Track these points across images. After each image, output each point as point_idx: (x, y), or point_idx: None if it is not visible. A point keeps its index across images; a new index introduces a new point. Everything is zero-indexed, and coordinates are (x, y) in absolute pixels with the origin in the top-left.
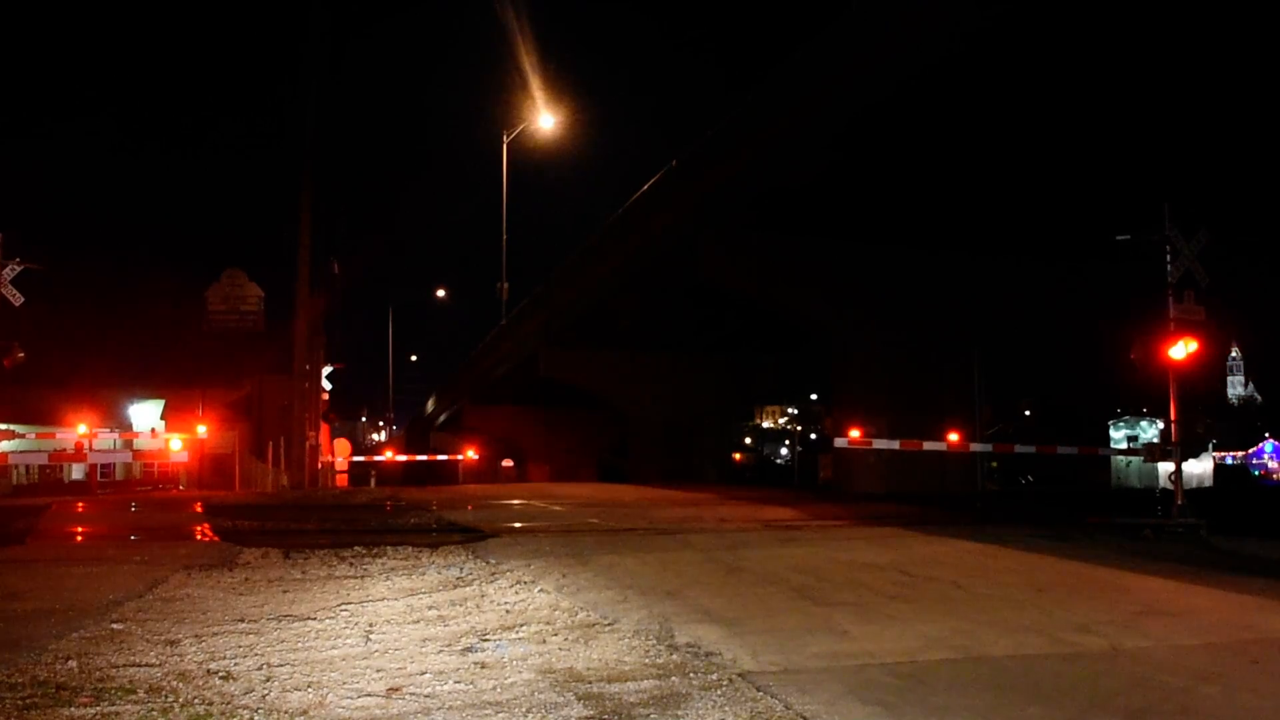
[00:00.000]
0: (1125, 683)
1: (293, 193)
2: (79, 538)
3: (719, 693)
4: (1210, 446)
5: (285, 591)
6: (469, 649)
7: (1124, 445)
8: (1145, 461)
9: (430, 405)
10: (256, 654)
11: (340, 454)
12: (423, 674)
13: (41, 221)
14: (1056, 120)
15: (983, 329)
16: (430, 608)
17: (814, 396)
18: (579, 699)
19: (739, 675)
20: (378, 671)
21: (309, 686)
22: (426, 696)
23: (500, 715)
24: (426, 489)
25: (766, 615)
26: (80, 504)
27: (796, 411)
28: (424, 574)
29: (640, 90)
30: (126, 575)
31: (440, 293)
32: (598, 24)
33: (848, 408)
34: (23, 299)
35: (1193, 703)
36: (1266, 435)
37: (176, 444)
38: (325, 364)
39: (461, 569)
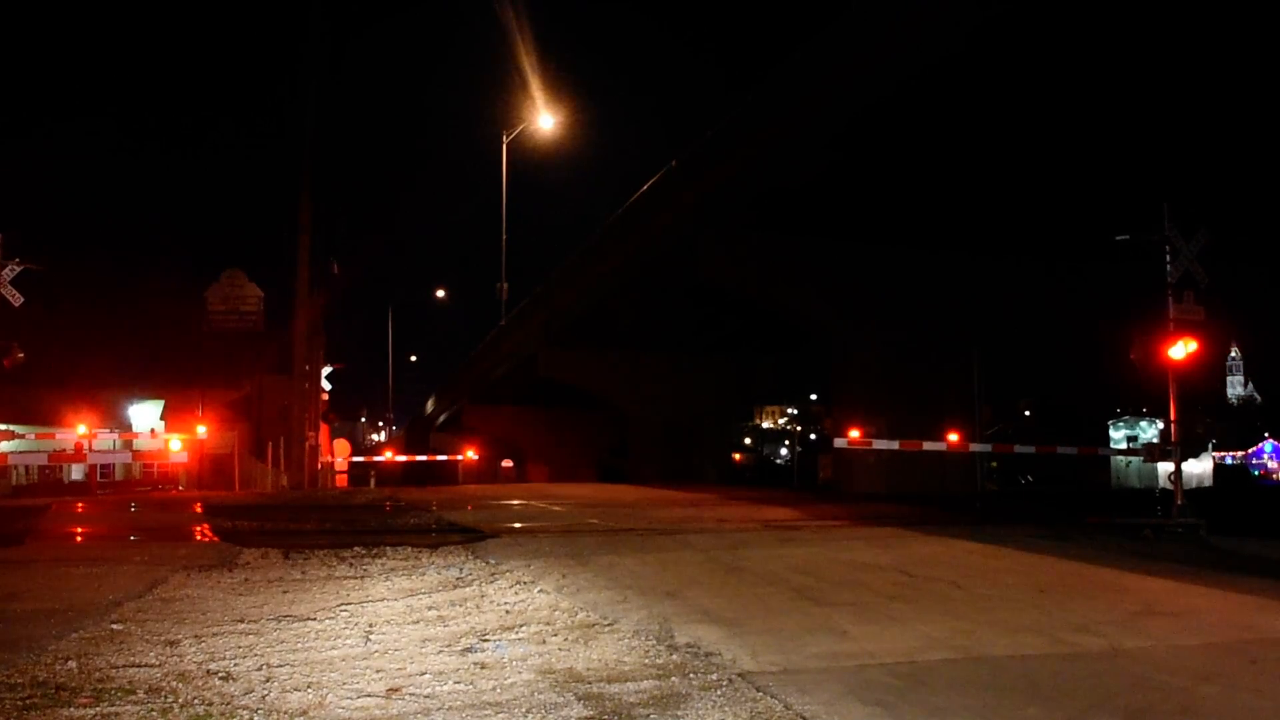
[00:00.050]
0: (1125, 683)
1: (292, 193)
2: (79, 538)
3: (719, 693)
4: (1210, 446)
5: (285, 592)
6: (469, 649)
7: (1124, 445)
8: (1145, 461)
9: (430, 405)
10: (256, 654)
11: (340, 454)
12: (422, 674)
13: (41, 221)
14: (1056, 120)
15: (983, 329)
16: (430, 608)
17: (814, 397)
18: (579, 699)
19: (739, 675)
20: (377, 672)
21: (309, 687)
22: (426, 697)
23: (500, 715)
24: (426, 489)
25: (766, 615)
26: (80, 504)
27: (796, 412)
28: (424, 574)
29: (640, 90)
30: (126, 576)
31: (440, 293)
32: (598, 24)
33: (847, 408)
34: (22, 299)
35: (1193, 703)
36: (1266, 435)
37: (176, 444)
38: (325, 364)
39: (461, 569)
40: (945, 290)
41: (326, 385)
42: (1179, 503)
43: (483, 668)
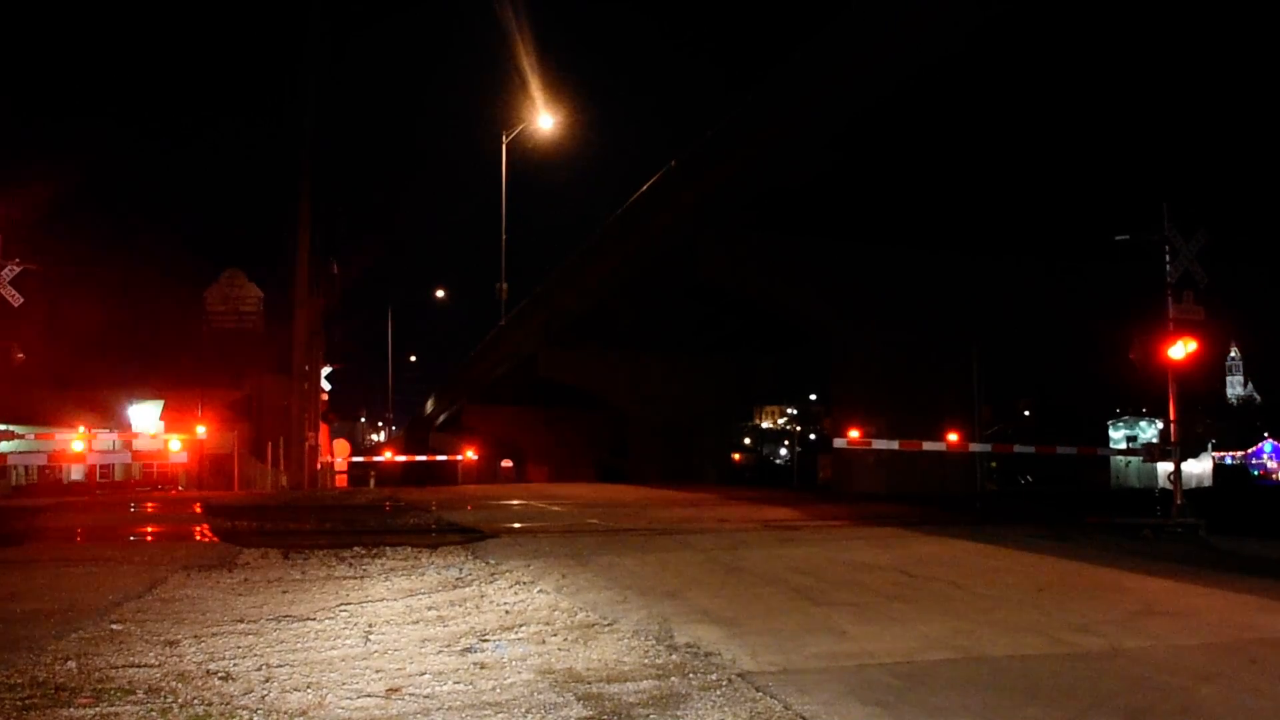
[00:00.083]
0: (1125, 683)
1: (292, 193)
2: (78, 538)
3: (718, 693)
4: (1209, 446)
5: (284, 592)
6: (468, 649)
7: (1123, 445)
8: (1144, 461)
9: (429, 405)
10: (256, 654)
11: (339, 454)
12: (422, 674)
13: (41, 222)
14: (1056, 120)
15: (982, 329)
16: (430, 608)
17: (813, 397)
18: (578, 699)
19: (738, 675)
20: (377, 672)
21: (308, 687)
22: (426, 697)
23: (500, 715)
24: (426, 489)
25: (766, 615)
26: (79, 505)
27: (796, 412)
28: (423, 574)
29: (640, 90)
30: (126, 576)
31: (439, 293)
32: (598, 24)
33: (847, 408)
34: (22, 299)
35: (1192, 703)
36: (1266, 435)
37: (175, 445)
38: (324, 364)
39: (461, 569)
40: (945, 290)
41: (326, 385)
42: (1178, 503)
43: (482, 668)
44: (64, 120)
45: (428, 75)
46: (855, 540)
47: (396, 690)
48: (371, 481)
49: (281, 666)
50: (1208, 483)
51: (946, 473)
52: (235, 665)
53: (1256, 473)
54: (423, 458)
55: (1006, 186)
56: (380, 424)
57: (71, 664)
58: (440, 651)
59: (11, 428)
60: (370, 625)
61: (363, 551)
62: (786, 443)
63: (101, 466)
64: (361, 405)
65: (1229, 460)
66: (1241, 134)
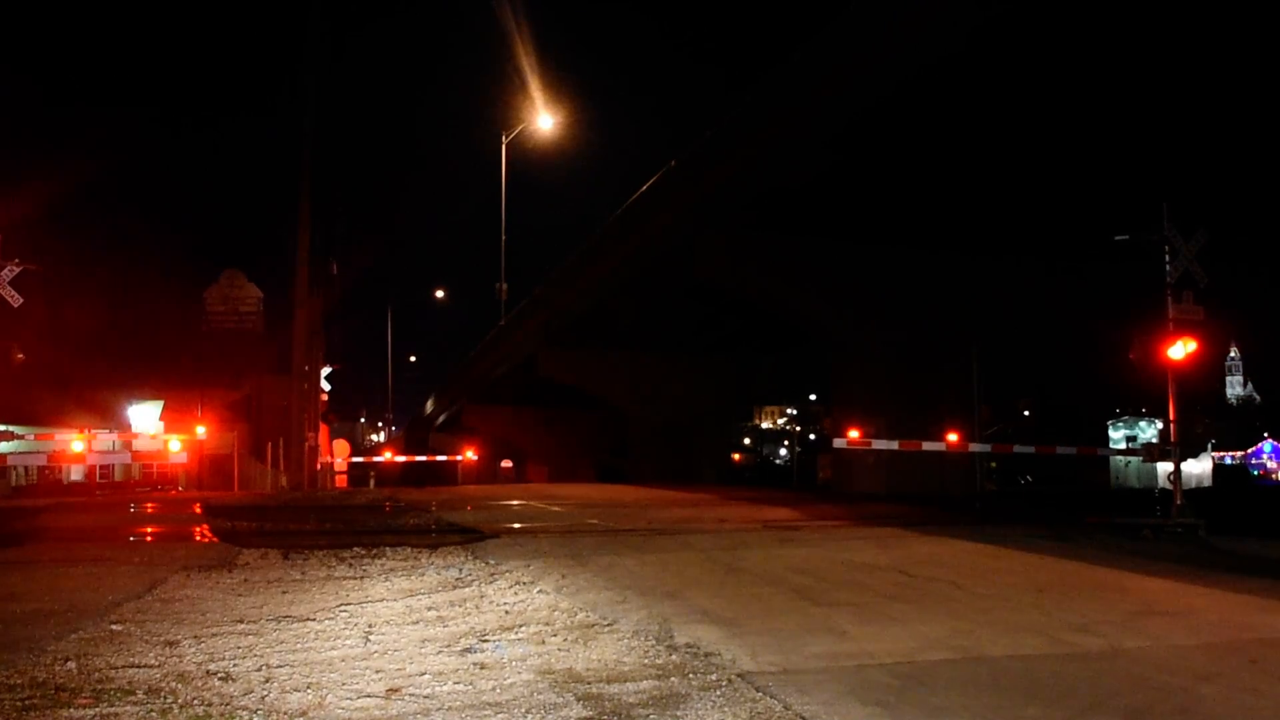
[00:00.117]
0: (1125, 683)
1: (292, 193)
2: (78, 539)
3: (718, 693)
4: (1209, 446)
5: (284, 592)
6: (468, 650)
7: (1123, 445)
8: (1144, 461)
9: (429, 406)
10: (256, 655)
11: (339, 455)
12: (422, 675)
13: (41, 222)
14: (1056, 120)
15: (982, 329)
16: (429, 608)
17: (813, 397)
18: (578, 699)
19: (738, 676)
20: (377, 672)
21: (308, 687)
22: (426, 697)
23: (499, 716)
24: (425, 490)
25: (766, 616)
26: (79, 505)
27: (796, 412)
28: (423, 575)
29: (640, 90)
30: (125, 576)
31: (439, 293)
32: (598, 24)
33: (847, 408)
34: (22, 299)
35: (1192, 703)
36: (1265, 435)
37: (175, 445)
38: (324, 364)
39: (461, 570)
40: (945, 290)
41: (326, 385)
42: (1178, 503)
43: (482, 668)
44: (64, 120)
45: (427, 75)
46: (855, 540)
47: (396, 690)
48: (371, 482)
49: (281, 667)
50: (1207, 483)
51: (946, 473)
52: (235, 666)
53: (1256, 473)
54: (422, 458)
55: (1006, 186)
56: (380, 424)
57: (71, 664)
58: (440, 652)
59: (11, 428)
60: (370, 625)
61: (362, 552)
62: (786, 443)
63: (101, 467)
64: (361, 405)
65: (1229, 460)
66: (1241, 134)
